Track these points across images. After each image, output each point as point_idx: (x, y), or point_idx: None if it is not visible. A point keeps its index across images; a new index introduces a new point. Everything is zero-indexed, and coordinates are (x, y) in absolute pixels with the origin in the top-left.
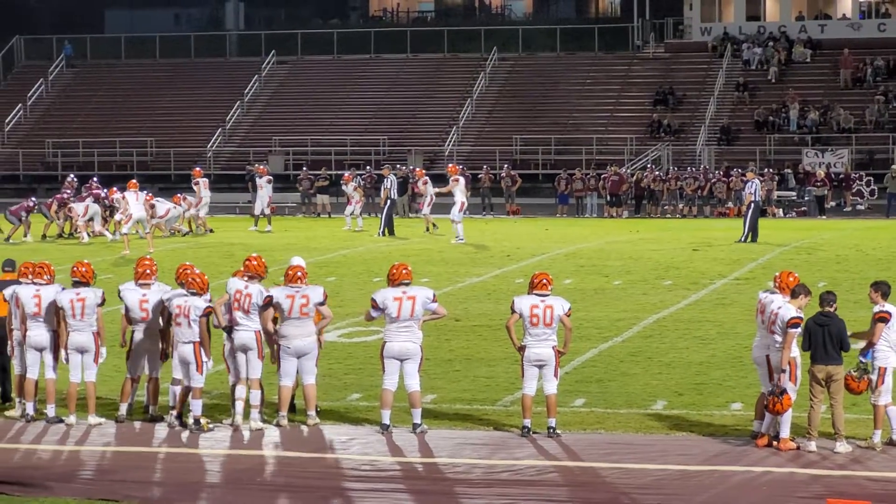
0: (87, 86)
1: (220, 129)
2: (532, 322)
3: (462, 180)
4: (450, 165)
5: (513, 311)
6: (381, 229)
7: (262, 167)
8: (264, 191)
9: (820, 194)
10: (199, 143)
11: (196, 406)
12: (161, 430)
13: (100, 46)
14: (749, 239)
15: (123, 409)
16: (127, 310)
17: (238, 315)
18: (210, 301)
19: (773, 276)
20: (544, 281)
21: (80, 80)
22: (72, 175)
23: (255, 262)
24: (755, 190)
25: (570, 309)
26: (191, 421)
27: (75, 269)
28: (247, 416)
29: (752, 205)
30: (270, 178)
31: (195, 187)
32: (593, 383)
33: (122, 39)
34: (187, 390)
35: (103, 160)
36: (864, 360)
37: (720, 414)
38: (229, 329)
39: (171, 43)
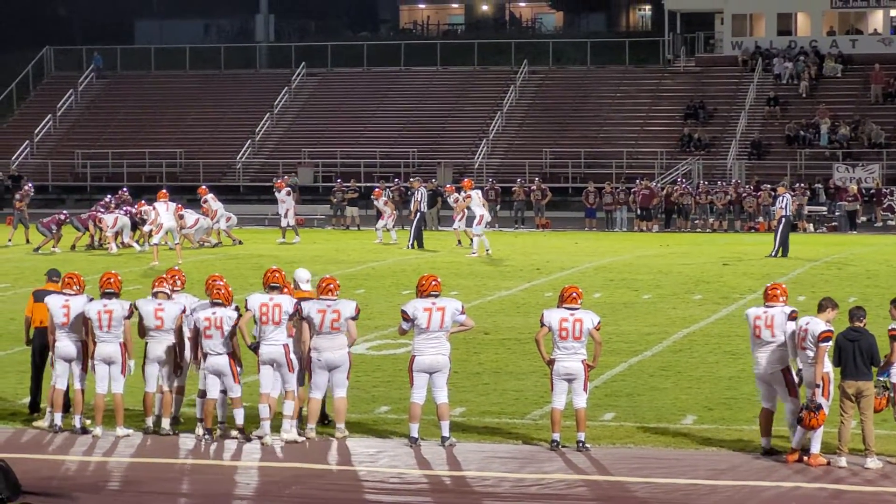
0: (117, 97)
1: (249, 141)
2: (561, 335)
3: (475, 195)
4: (465, 180)
5: (542, 325)
6: (410, 242)
7: (279, 181)
8: (286, 203)
9: (852, 209)
10: (228, 154)
11: (239, 415)
12: (188, 441)
13: (130, 57)
14: (780, 254)
15: (149, 421)
16: (141, 319)
17: (267, 329)
18: (238, 311)
19: (766, 290)
20: (574, 294)
21: (109, 91)
22: (109, 196)
23: (279, 274)
24: (786, 204)
25: (599, 323)
26: (234, 432)
27: (105, 279)
28: (277, 428)
29: (783, 219)
30: (290, 189)
31: (204, 206)
32: (623, 397)
33: (151, 50)
34: (213, 402)
35: (132, 171)
36: (882, 378)
37: (750, 429)
38: (258, 346)
39: (201, 54)
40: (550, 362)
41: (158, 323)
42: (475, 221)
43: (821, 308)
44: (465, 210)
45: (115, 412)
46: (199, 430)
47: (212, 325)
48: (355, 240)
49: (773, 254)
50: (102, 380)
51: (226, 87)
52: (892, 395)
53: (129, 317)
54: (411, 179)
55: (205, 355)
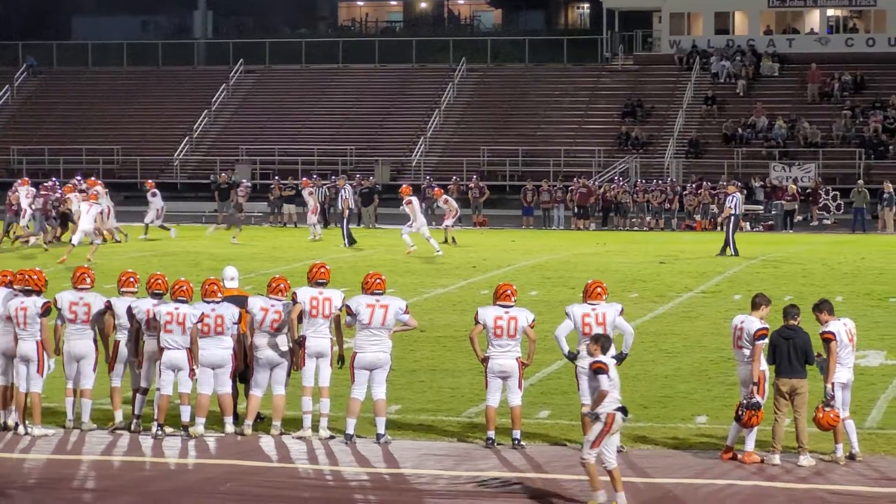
0: (54, 92)
1: (187, 138)
2: (496, 333)
3: (414, 201)
4: (402, 186)
5: (476, 322)
6: (346, 241)
7: (150, 181)
8: (151, 203)
9: (790, 208)
10: (165, 151)
11: (185, 412)
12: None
13: (66, 53)
14: (728, 252)
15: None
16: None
17: (316, 322)
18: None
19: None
20: (508, 292)
21: (46, 87)
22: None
23: (324, 270)
24: (735, 203)
25: (533, 320)
26: (198, 430)
27: (21, 276)
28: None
29: (732, 217)
30: (156, 191)
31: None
32: (558, 395)
33: (89, 46)
34: (167, 398)
35: (69, 167)
36: (830, 393)
37: (685, 427)
38: (303, 340)
39: (139, 50)
40: (485, 360)
41: (72, 317)
42: (405, 226)
43: (755, 306)
44: (457, 210)
45: (33, 411)
46: (156, 428)
47: (174, 320)
48: (292, 237)
49: (722, 252)
50: (23, 379)
51: (163, 84)
52: (833, 404)
53: (44, 314)
54: (335, 178)
55: (162, 350)
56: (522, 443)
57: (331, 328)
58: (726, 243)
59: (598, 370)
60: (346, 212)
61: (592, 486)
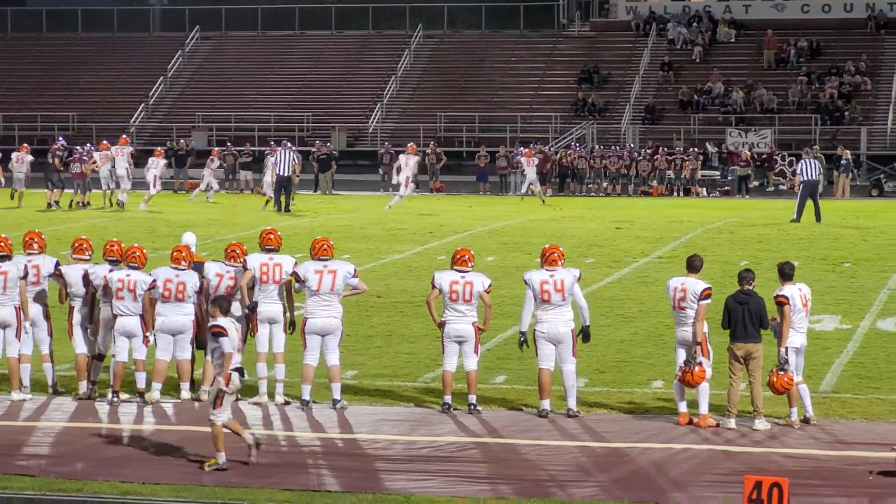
0: (7, 59)
1: (143, 105)
2: (452, 298)
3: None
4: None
5: (433, 287)
6: (286, 205)
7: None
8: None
9: (743, 174)
10: (122, 118)
11: (140, 378)
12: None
13: (20, 18)
14: (800, 218)
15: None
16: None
17: (267, 288)
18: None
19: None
20: (466, 257)
21: (0, 54)
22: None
23: (273, 236)
24: (803, 170)
25: (489, 285)
26: (154, 396)
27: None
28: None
29: (802, 184)
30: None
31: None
32: (514, 360)
33: (43, 12)
34: (122, 364)
35: (24, 135)
36: (783, 357)
37: (641, 391)
38: (255, 306)
39: (94, 16)
40: (441, 325)
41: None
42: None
43: (695, 268)
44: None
45: (10, 376)
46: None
47: (125, 286)
48: (249, 203)
49: (797, 219)
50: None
51: (119, 51)
52: (787, 368)
53: (24, 277)
54: (271, 145)
55: (115, 317)
56: (479, 407)
57: (282, 294)
58: (799, 208)
59: (217, 334)
60: (275, 177)
61: (220, 446)
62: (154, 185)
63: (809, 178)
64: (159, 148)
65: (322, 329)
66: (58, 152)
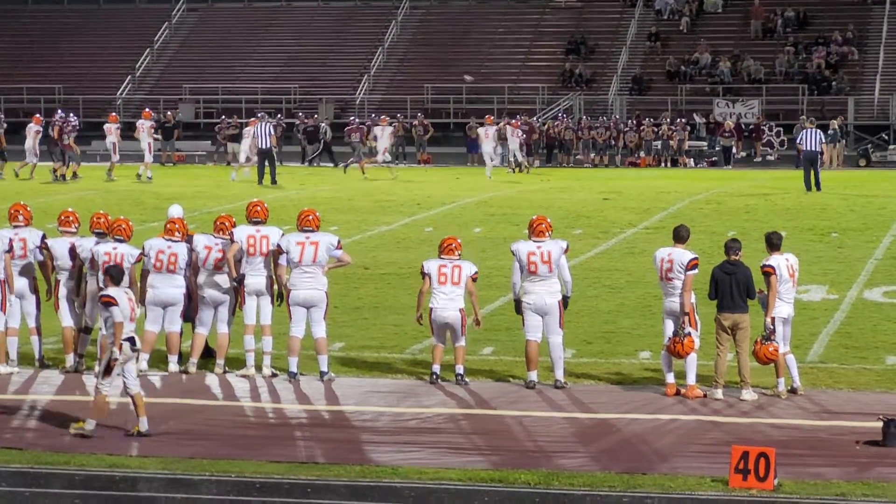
0: None
1: (129, 77)
2: (440, 280)
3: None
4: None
5: (423, 275)
6: (271, 177)
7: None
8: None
9: (727, 145)
10: (108, 90)
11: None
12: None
13: None
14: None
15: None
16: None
17: (254, 260)
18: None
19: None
20: (453, 245)
21: None
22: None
23: (260, 208)
24: (803, 140)
25: (476, 273)
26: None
27: None
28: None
29: (803, 155)
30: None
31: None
32: (502, 331)
33: None
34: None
35: (10, 107)
36: (769, 327)
37: (629, 362)
38: (242, 278)
39: None
40: (430, 310)
41: (21, 254)
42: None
43: (682, 238)
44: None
45: None
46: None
47: (112, 259)
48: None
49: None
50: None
51: (105, 22)
52: (772, 339)
53: (9, 250)
54: (253, 117)
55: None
56: (466, 379)
57: (269, 266)
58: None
59: (107, 303)
60: (256, 149)
61: (95, 415)
62: (149, 152)
63: (811, 148)
64: (147, 109)
65: (305, 301)
66: (58, 124)
